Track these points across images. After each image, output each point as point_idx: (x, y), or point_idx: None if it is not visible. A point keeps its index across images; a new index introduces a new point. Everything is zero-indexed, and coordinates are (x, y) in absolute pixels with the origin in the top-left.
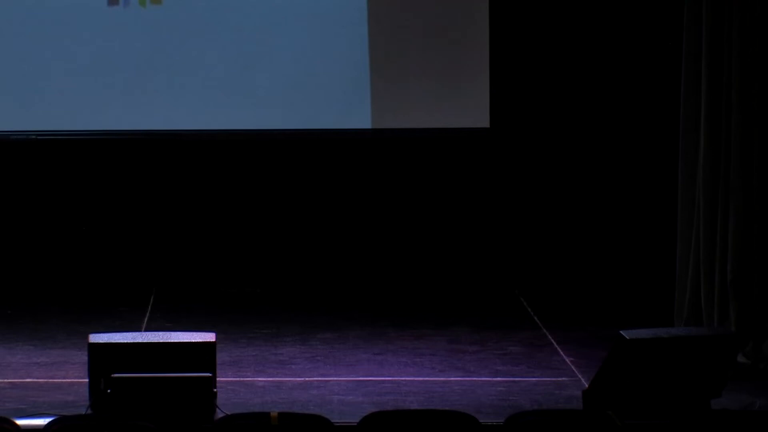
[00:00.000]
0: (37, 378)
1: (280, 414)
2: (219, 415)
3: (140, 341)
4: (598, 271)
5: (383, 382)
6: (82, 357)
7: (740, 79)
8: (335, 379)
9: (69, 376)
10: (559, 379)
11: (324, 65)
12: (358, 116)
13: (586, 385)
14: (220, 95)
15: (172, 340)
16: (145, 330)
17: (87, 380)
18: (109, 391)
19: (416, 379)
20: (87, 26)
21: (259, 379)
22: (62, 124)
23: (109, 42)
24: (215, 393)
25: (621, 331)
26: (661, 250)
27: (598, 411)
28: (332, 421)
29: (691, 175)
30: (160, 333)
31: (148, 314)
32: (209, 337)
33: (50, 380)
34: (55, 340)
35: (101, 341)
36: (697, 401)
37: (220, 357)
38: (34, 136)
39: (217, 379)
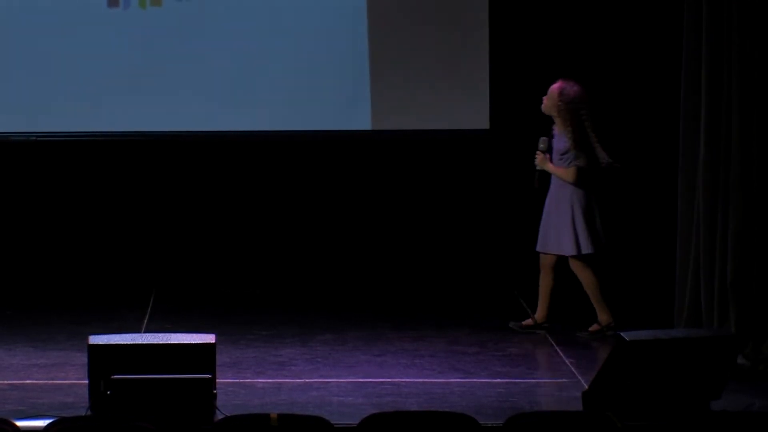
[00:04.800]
0: (37, 379)
1: (280, 415)
2: (218, 416)
3: (140, 342)
4: (597, 271)
5: (383, 383)
6: (82, 358)
7: (740, 80)
8: (335, 380)
9: (69, 378)
10: (559, 380)
11: (324, 67)
12: (358, 117)
13: (586, 387)
14: (220, 97)
15: (171, 342)
16: (145, 331)
17: (87, 382)
18: (108, 392)
19: (416, 380)
20: (87, 28)
21: (259, 380)
22: (62, 126)
23: (109, 44)
24: (215, 394)
25: (620, 333)
26: (661, 252)
27: (597, 412)
28: (332, 422)
29: (691, 178)
30: (160, 334)
31: (147, 315)
32: (209, 338)
33: (50, 382)
34: (55, 341)
35: (101, 343)
36: (696, 403)
37: (220, 358)
38: (34, 137)
39: (217, 380)
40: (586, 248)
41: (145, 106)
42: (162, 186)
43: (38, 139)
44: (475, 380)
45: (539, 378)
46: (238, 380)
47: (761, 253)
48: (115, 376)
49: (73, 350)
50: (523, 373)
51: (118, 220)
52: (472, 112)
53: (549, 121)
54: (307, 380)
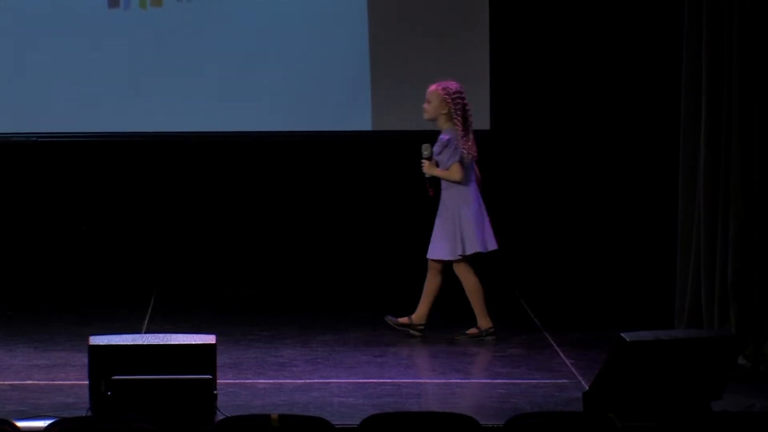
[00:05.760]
0: (38, 380)
1: (281, 416)
2: (219, 417)
3: (140, 343)
4: (598, 272)
5: (383, 384)
6: (83, 359)
7: (741, 80)
8: (335, 381)
9: (69, 378)
10: (560, 381)
11: (325, 68)
12: (359, 118)
13: (587, 387)
14: (221, 97)
15: (172, 342)
16: (146, 332)
17: (87, 382)
18: (109, 393)
19: (416, 381)
20: (88, 28)
21: (260, 381)
22: (62, 126)
23: (109, 44)
24: (215, 395)
25: (621, 333)
26: (662, 252)
27: (598, 413)
28: (332, 423)
29: (692, 178)
30: (161, 335)
31: (148, 316)
32: (209, 339)
33: (51, 382)
34: (55, 342)
35: (102, 343)
36: (697, 403)
37: (221, 359)
38: (34, 138)
39: (218, 381)
40: (471, 248)
41: (146, 106)
42: (162, 187)
43: (38, 139)
44: (475, 381)
45: (540, 378)
46: (238, 381)
47: (762, 254)
48: (116, 377)
49: (74, 351)
50: (523, 373)
51: (118, 220)
52: (473, 113)
53: (550, 122)
54: (307, 381)
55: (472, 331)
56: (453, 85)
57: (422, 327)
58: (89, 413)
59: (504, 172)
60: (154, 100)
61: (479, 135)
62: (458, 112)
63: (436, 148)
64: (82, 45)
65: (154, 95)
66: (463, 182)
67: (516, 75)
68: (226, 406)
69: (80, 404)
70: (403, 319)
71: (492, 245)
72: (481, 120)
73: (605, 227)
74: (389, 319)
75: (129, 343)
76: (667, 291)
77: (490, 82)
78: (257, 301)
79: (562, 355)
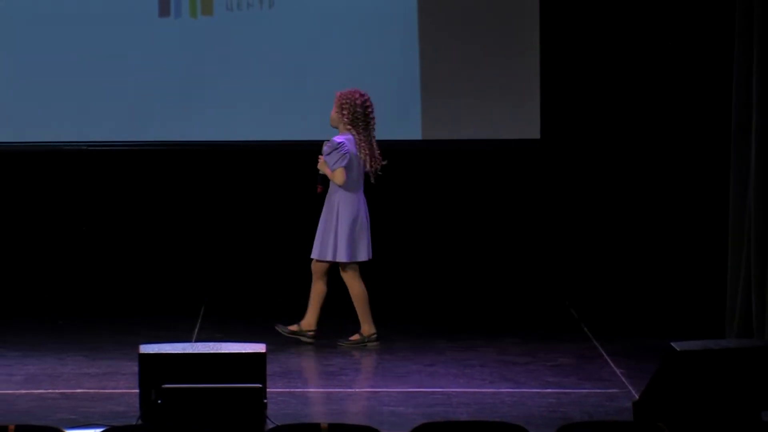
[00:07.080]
0: (88, 388)
1: (331, 425)
2: (269, 425)
3: (191, 352)
4: (648, 282)
5: (433, 393)
6: (133, 368)
7: None
8: (385, 390)
9: (120, 387)
10: (610, 390)
11: (375, 77)
12: (409, 127)
13: (637, 397)
14: (271, 107)
15: (222, 351)
16: (196, 341)
17: (138, 391)
18: (159, 401)
19: (466, 390)
20: (138, 37)
21: (310, 389)
22: (113, 135)
23: (160, 53)
24: (265, 404)
25: (672, 343)
26: (713, 262)
27: (648, 423)
28: None
29: (743, 188)
30: (211, 344)
31: (198, 325)
32: (259, 347)
33: (101, 391)
34: (105, 350)
35: (152, 352)
36: (747, 413)
37: (270, 368)
38: (85, 147)
39: (268, 389)
40: (346, 256)
41: (196, 115)
42: (214, 195)
43: (89, 148)
44: (525, 390)
45: (590, 388)
46: (288, 389)
47: None
48: (166, 386)
49: (124, 359)
50: (573, 383)
51: (168, 230)
52: (523, 122)
53: (600, 131)
54: (357, 390)
55: (355, 336)
56: (354, 92)
57: (312, 334)
58: (139, 422)
59: (554, 181)
60: (203, 109)
61: (530, 144)
62: (356, 118)
63: (326, 149)
64: (133, 54)
65: (204, 104)
66: (346, 188)
67: (566, 84)
68: (276, 414)
69: (130, 413)
70: (293, 327)
71: (362, 256)
72: (532, 129)
73: (656, 236)
74: (280, 327)
75: (179, 352)
76: (718, 301)
77: (540, 91)
78: (306, 309)
79: (612, 364)
